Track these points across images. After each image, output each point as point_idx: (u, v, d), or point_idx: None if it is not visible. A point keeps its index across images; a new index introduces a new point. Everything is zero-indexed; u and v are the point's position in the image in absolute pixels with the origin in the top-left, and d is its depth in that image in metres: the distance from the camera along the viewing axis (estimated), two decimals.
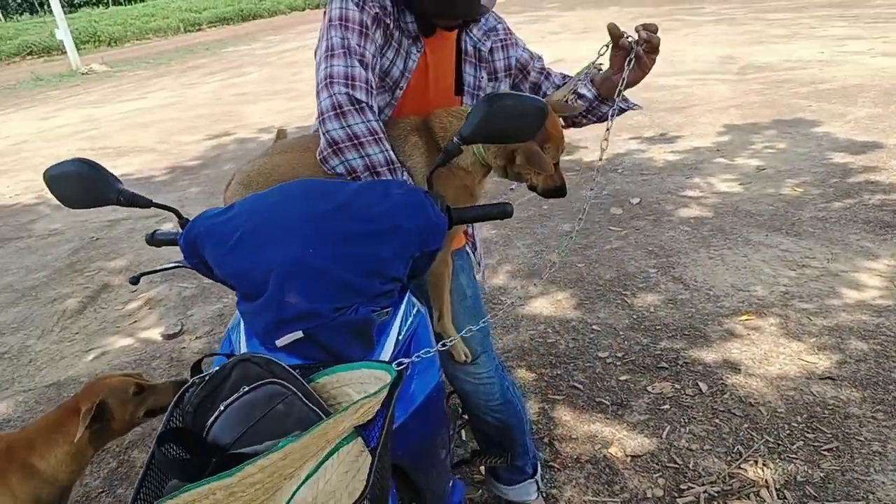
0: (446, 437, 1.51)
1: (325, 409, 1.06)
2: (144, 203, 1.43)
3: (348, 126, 1.39)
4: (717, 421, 2.46)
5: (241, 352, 1.32)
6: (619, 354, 2.92)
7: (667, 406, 2.57)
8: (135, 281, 1.55)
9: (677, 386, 2.67)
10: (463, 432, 2.49)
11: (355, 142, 1.39)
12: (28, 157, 8.22)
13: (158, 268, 1.56)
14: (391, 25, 1.55)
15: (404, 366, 1.12)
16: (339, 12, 1.48)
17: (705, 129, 5.77)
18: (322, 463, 0.97)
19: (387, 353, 1.27)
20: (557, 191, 1.59)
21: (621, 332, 3.08)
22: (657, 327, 3.08)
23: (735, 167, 4.87)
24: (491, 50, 1.71)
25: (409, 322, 1.34)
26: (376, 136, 1.41)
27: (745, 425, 2.42)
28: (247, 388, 1.06)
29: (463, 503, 1.65)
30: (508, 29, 1.75)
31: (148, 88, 12.97)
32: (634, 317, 3.18)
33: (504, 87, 1.76)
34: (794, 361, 2.72)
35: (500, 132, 1.27)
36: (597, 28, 11.98)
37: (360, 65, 1.45)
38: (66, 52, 17.90)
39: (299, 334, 1.18)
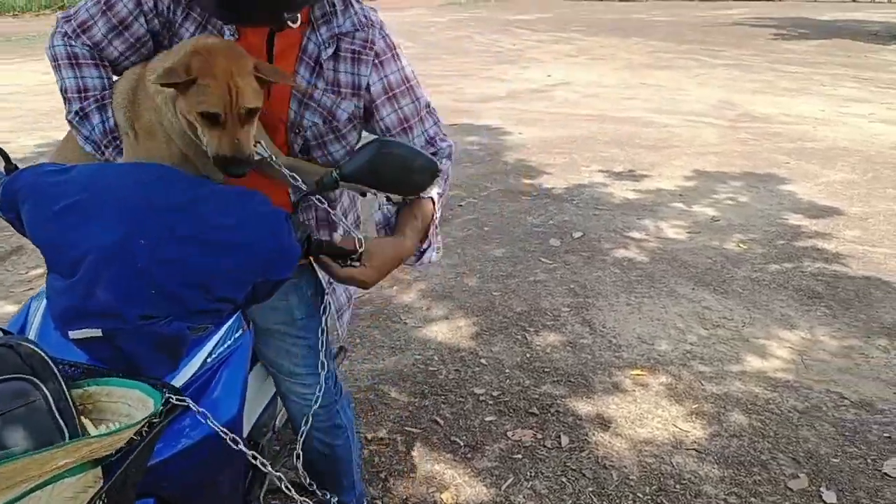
0: (234, 474, 1.35)
1: (74, 425, 0.94)
2: None
3: (62, 79, 1.42)
4: (563, 479, 2.31)
5: (33, 328, 1.21)
6: (495, 393, 2.78)
7: (520, 455, 2.42)
8: None
9: (539, 435, 2.53)
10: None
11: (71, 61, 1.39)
12: (8, 107, 8.20)
13: None
14: None
15: (177, 406, 1.03)
16: None
17: (675, 172, 5.62)
18: (41, 486, 0.86)
19: (188, 372, 1.16)
20: (230, 160, 1.23)
21: (507, 370, 2.94)
22: (546, 370, 2.93)
23: (689, 214, 4.71)
24: (334, 56, 1.44)
25: (225, 345, 1.24)
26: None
27: (590, 489, 2.27)
28: None
29: None
30: (383, 47, 1.47)
31: None
32: (528, 355, 3.04)
33: (347, 108, 1.48)
34: (667, 427, 2.57)
35: (382, 179, 1.26)
36: (612, 57, 11.85)
37: (107, 10, 1.39)
38: None
39: (97, 332, 1.06)
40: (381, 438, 2.51)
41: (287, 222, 1.18)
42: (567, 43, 14.48)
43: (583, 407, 2.69)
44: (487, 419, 2.62)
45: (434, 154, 1.52)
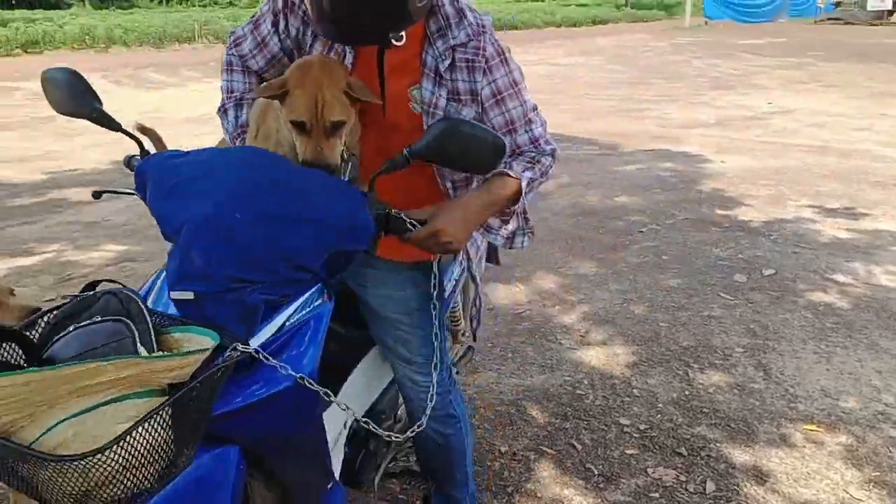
0: (317, 438, 1.44)
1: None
2: (114, 126, 1.49)
3: (226, 80, 1.68)
4: None
5: (153, 292, 1.37)
6: (642, 426, 2.62)
7: (657, 495, 2.26)
8: (97, 195, 1.66)
9: (682, 477, 2.34)
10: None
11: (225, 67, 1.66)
12: None
13: (120, 189, 1.67)
14: None
15: (243, 353, 1.12)
16: None
17: None
18: (109, 402, 0.98)
19: (265, 334, 1.25)
20: (313, 166, 1.36)
21: (660, 405, 2.76)
22: (704, 410, 2.71)
23: None
24: (451, 67, 1.51)
25: (303, 312, 1.31)
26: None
27: None
28: (98, 319, 1.09)
29: None
30: (492, 52, 1.51)
31: None
32: (686, 393, 2.83)
33: (468, 114, 1.54)
34: (837, 491, 2.25)
35: (448, 156, 1.32)
36: (849, 84, 10.71)
37: (251, 34, 1.60)
38: None
39: (190, 295, 1.21)
40: (515, 453, 2.48)
41: (362, 198, 1.29)
42: (798, 69, 13.33)
43: (739, 455, 2.44)
44: (628, 452, 2.48)
45: (538, 155, 1.57)
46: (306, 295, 1.32)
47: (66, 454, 0.93)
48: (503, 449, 2.51)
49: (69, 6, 35.84)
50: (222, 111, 1.65)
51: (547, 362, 3.09)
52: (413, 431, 1.54)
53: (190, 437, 1.06)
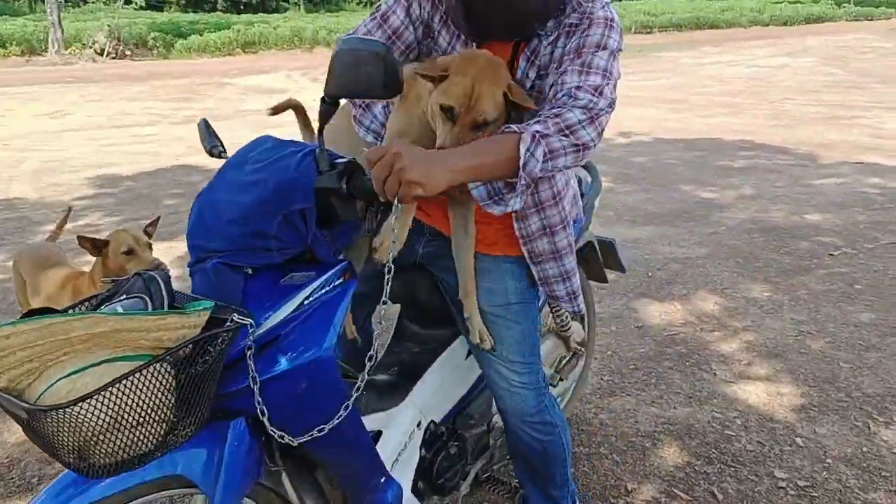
0: (346, 423, 1.35)
1: None
2: None
3: None
4: None
5: None
6: (802, 483, 2.24)
7: None
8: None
9: None
10: None
11: None
12: None
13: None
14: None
15: (234, 317, 1.16)
16: None
17: None
18: (97, 364, 1.04)
19: (285, 311, 1.26)
20: None
21: (828, 460, 2.35)
22: (885, 473, 2.27)
23: None
24: (552, 42, 1.41)
25: (324, 290, 1.31)
26: None
27: None
28: (123, 297, 1.17)
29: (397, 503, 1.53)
30: (599, 15, 1.38)
31: None
32: (864, 449, 2.39)
33: (548, 84, 1.42)
34: None
35: (348, 85, 1.20)
36: None
37: (376, 26, 1.50)
38: None
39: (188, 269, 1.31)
40: (643, 494, 2.22)
41: (307, 157, 1.27)
42: None
43: None
44: None
45: (566, 101, 1.30)
46: (327, 274, 1.31)
47: (49, 404, 0.99)
48: (630, 486, 2.26)
49: (286, 9, 39.22)
50: (362, 109, 1.60)
51: (696, 394, 2.77)
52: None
53: (193, 406, 1.10)
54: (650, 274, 3.98)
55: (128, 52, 20.06)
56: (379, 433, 1.62)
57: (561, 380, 2.28)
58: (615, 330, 3.30)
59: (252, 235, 1.24)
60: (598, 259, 2.38)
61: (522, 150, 1.21)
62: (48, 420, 1.01)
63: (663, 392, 2.79)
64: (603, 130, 1.32)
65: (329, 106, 1.24)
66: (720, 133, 8.09)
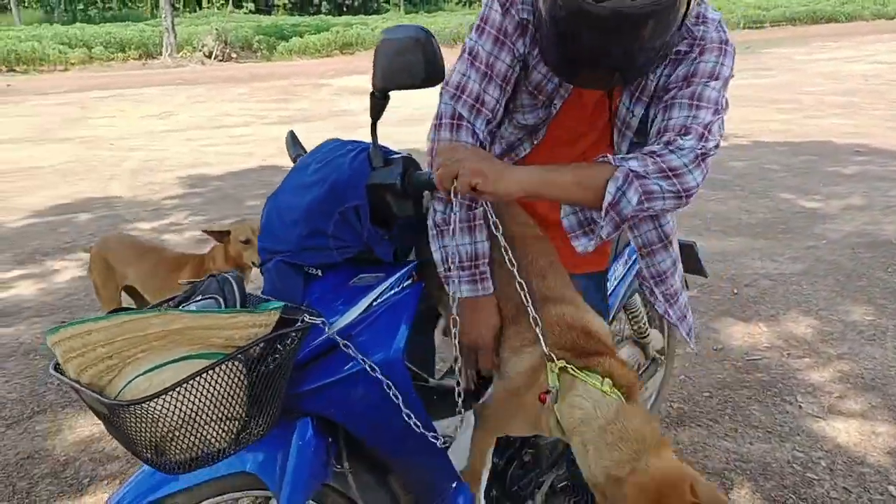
0: (422, 430, 1.36)
1: None
2: None
3: (437, 140, 1.36)
4: None
5: None
6: None
7: None
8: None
9: None
10: None
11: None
12: None
13: None
14: None
15: (304, 318, 1.20)
16: (483, 11, 1.38)
17: None
18: (175, 361, 1.08)
19: (353, 313, 1.28)
20: None
21: None
22: None
23: None
24: (659, 77, 1.32)
25: (392, 292, 1.33)
26: None
27: None
28: (198, 298, 1.23)
29: None
30: (713, 37, 1.28)
31: None
32: None
33: (658, 114, 1.32)
34: None
35: (392, 76, 1.21)
36: None
37: (480, 77, 1.34)
38: None
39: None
40: None
41: (360, 155, 1.29)
42: None
43: None
44: None
45: (673, 139, 1.21)
46: (396, 275, 1.33)
47: (128, 399, 1.04)
48: None
49: (386, 10, 39.95)
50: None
51: (776, 428, 2.51)
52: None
53: (265, 404, 1.13)
54: (736, 290, 3.69)
55: (234, 55, 20.97)
56: (452, 439, 1.59)
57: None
58: (690, 352, 3.06)
59: (311, 235, 1.28)
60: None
61: (611, 187, 1.15)
62: (127, 415, 1.05)
63: (739, 424, 2.54)
64: (708, 172, 1.23)
65: (379, 100, 1.25)
66: (831, 136, 7.50)
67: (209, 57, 20.73)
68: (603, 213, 1.17)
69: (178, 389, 1.04)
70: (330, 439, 1.33)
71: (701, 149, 1.19)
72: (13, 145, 8.73)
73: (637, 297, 2.18)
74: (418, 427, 1.32)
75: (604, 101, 1.43)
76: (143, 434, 1.08)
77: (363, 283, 1.31)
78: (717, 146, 1.23)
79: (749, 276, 3.87)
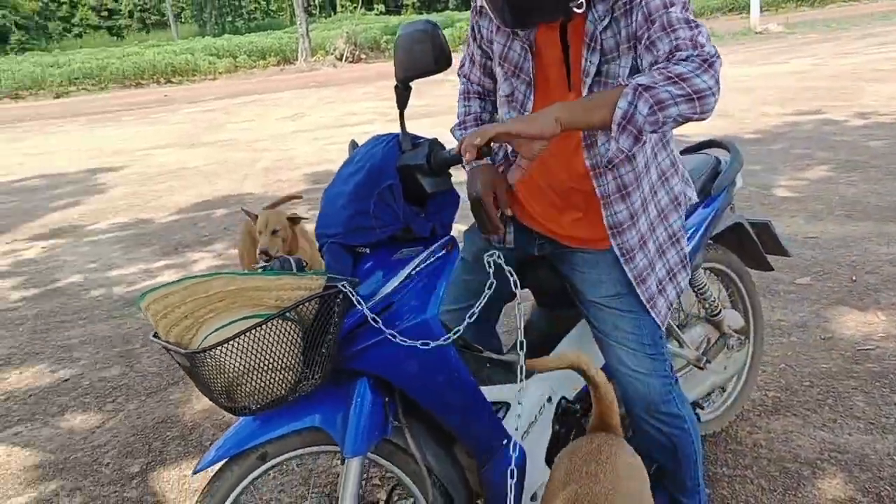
0: (458, 383, 1.51)
1: None
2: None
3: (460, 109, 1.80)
4: None
5: None
6: None
7: None
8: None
9: None
10: None
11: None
12: None
13: None
14: None
15: (345, 284, 1.34)
16: None
17: None
18: (241, 319, 1.27)
19: (394, 283, 1.43)
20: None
21: None
22: None
23: None
24: (609, 25, 1.39)
25: (428, 262, 1.46)
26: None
27: None
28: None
29: (519, 467, 1.58)
30: None
31: (798, 53, 12.40)
32: None
33: (626, 64, 1.41)
34: None
35: (409, 66, 1.38)
36: None
37: (469, 59, 1.74)
38: (748, 11, 18.31)
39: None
40: None
41: (392, 141, 1.44)
42: None
43: None
44: None
45: (671, 59, 1.28)
46: (432, 247, 1.47)
47: (200, 347, 1.25)
48: None
49: None
50: (461, 128, 1.78)
51: (880, 420, 2.37)
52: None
53: (317, 359, 1.33)
54: (854, 278, 3.47)
55: (363, 56, 21.86)
56: (507, 405, 1.71)
57: (707, 362, 2.15)
58: (795, 341, 2.94)
59: (356, 216, 1.42)
60: (754, 242, 2.27)
61: (622, 102, 1.23)
62: (200, 364, 1.26)
63: (839, 415, 2.43)
64: (719, 80, 1.28)
65: (403, 91, 1.42)
66: None
67: (340, 59, 21.73)
68: (616, 127, 1.24)
69: (237, 340, 1.24)
70: (386, 398, 1.48)
71: (699, 55, 1.25)
72: (166, 150, 9.66)
73: (701, 273, 2.16)
74: (458, 384, 1.47)
75: (556, 72, 1.52)
76: (216, 381, 1.29)
77: (403, 256, 1.46)
78: (716, 54, 1.27)
79: (872, 263, 3.62)
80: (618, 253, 1.55)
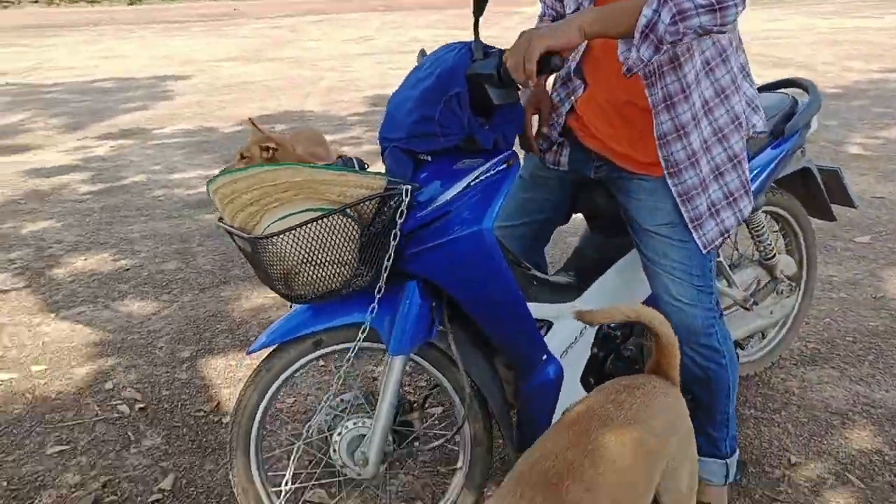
0: (505, 294, 1.53)
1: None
2: None
3: None
4: None
5: None
6: None
7: None
8: None
9: None
10: None
11: None
12: None
13: None
14: None
15: (398, 185, 1.39)
16: None
17: None
18: (303, 211, 1.34)
19: (454, 190, 1.46)
20: None
21: None
22: None
23: None
24: None
25: (489, 173, 1.49)
26: None
27: None
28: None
29: (555, 383, 1.67)
30: None
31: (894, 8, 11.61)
32: None
33: None
34: None
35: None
36: None
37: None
38: None
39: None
40: (807, 470, 1.98)
41: (463, 48, 1.42)
42: None
43: None
44: None
45: None
46: (493, 160, 1.49)
47: (263, 234, 1.34)
48: (795, 460, 2.03)
49: None
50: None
51: None
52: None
53: (372, 258, 1.39)
54: None
55: None
56: (550, 324, 1.74)
57: (755, 303, 2.14)
58: (844, 297, 2.89)
59: (421, 121, 1.42)
60: (820, 189, 2.22)
61: (646, 10, 1.24)
62: (262, 250, 1.34)
63: (878, 371, 2.40)
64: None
65: None
66: None
67: None
68: (639, 35, 1.25)
69: (298, 230, 1.30)
70: (434, 303, 1.53)
71: None
72: (233, 63, 9.78)
73: (761, 215, 2.12)
74: (506, 293, 1.51)
75: None
76: (275, 268, 1.36)
77: (464, 166, 1.48)
78: None
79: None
80: (664, 166, 1.53)
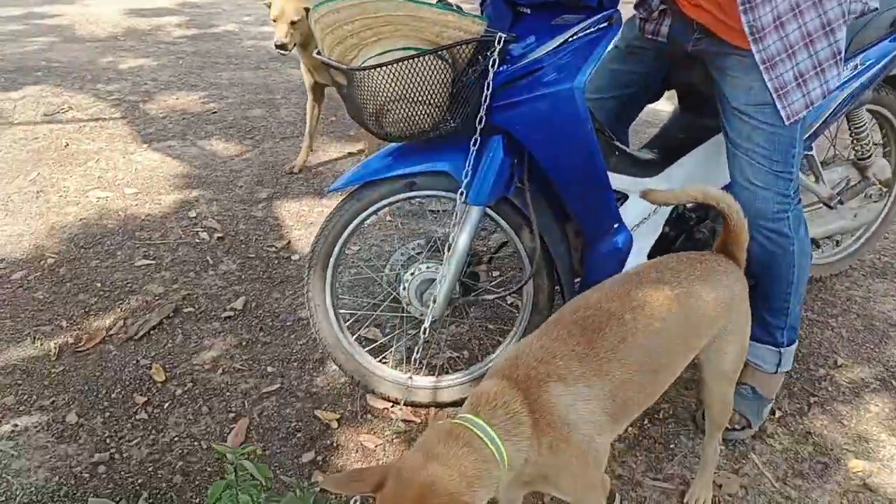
0: (585, 156, 1.54)
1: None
2: None
3: None
4: None
5: None
6: None
7: None
8: None
9: None
10: None
11: None
12: None
13: None
14: None
15: (502, 37, 1.39)
16: None
17: None
18: (397, 50, 1.36)
19: (553, 44, 1.45)
20: None
21: None
22: None
23: None
24: None
25: (589, 31, 1.47)
26: None
27: None
28: None
29: (623, 252, 1.68)
30: None
31: None
32: None
33: None
34: None
35: None
36: None
37: None
38: None
39: None
40: (851, 372, 1.99)
41: None
42: None
43: None
44: None
45: None
46: (594, 17, 1.46)
47: (360, 66, 1.38)
48: (841, 362, 2.04)
49: None
50: None
51: None
52: None
53: (461, 104, 1.42)
54: None
55: None
56: (626, 197, 1.75)
57: (840, 202, 2.08)
58: None
59: None
60: None
61: None
62: (357, 83, 1.37)
63: None
64: None
65: None
66: None
67: None
68: None
69: (394, 66, 1.33)
70: (515, 160, 1.54)
71: None
72: None
73: (864, 112, 2.02)
74: (588, 155, 1.51)
75: None
76: (368, 103, 1.39)
77: (563, 22, 1.45)
78: None
79: None
80: (747, 31, 1.46)
